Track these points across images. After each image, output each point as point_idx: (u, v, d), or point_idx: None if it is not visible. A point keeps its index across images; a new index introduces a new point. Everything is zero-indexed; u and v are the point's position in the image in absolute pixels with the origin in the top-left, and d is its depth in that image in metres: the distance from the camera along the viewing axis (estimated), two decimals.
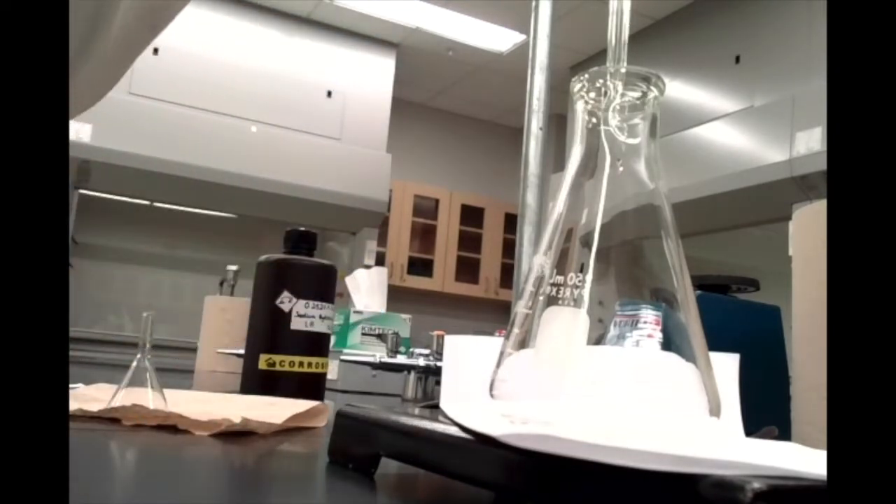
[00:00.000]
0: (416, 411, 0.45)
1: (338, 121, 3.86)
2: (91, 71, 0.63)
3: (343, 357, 1.29)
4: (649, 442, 0.24)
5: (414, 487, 0.38)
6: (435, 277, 4.77)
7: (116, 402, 0.53)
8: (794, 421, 0.58)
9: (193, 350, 1.67)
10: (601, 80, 0.39)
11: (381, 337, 1.52)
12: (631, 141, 0.38)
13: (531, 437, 0.25)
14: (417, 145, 4.93)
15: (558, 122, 3.84)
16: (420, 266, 4.76)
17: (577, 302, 0.36)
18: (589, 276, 0.36)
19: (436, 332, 1.49)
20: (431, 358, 1.26)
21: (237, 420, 0.50)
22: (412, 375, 1.19)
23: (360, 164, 3.82)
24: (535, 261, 0.39)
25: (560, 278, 0.37)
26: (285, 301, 0.82)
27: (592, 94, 0.39)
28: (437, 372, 1.16)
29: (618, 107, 0.38)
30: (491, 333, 0.68)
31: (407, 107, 4.70)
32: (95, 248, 3.75)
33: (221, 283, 1.99)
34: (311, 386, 0.82)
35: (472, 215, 4.93)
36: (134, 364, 0.55)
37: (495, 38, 4.01)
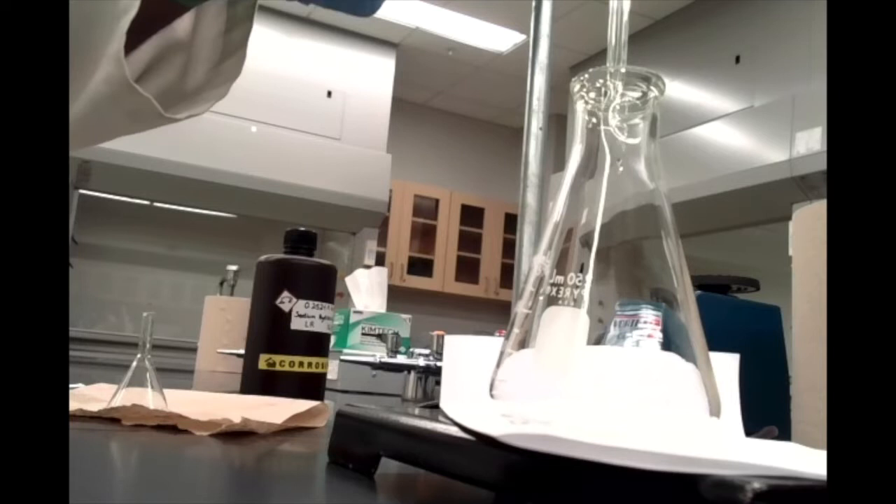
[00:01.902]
0: (416, 411, 0.45)
1: (338, 121, 3.86)
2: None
3: (343, 357, 1.29)
4: (649, 442, 0.24)
5: (414, 487, 0.38)
6: (435, 277, 4.77)
7: (116, 402, 0.53)
8: (794, 421, 0.58)
9: (193, 350, 1.67)
10: (601, 80, 0.39)
11: (381, 337, 1.52)
12: (631, 141, 0.38)
13: (531, 437, 0.25)
14: (417, 145, 4.93)
15: (558, 122, 3.84)
16: (420, 266, 4.76)
17: (577, 302, 0.36)
18: (589, 276, 0.36)
19: (436, 332, 1.49)
20: (431, 358, 1.26)
21: (237, 420, 0.50)
22: (412, 375, 1.19)
23: (360, 164, 3.82)
24: (535, 261, 0.39)
25: (560, 278, 0.37)
26: (285, 301, 0.82)
27: (592, 94, 0.39)
28: (437, 372, 1.16)
29: (618, 107, 0.38)
30: (491, 333, 0.68)
31: (407, 107, 4.69)
32: (95, 248, 3.75)
33: (221, 283, 1.99)
34: (311, 386, 0.82)
35: (472, 215, 4.93)
36: (134, 364, 0.55)
37: (495, 38, 4.01)
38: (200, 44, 0.63)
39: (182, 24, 0.62)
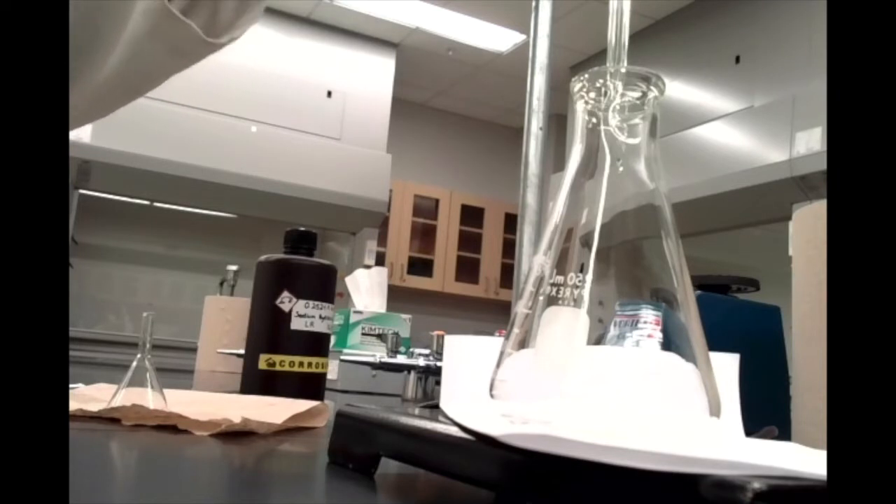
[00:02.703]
0: (416, 411, 0.45)
1: (338, 121, 3.86)
2: (95, 84, 0.63)
3: (343, 357, 1.29)
4: (649, 442, 0.24)
5: (414, 487, 0.38)
6: (435, 277, 4.77)
7: (116, 402, 0.53)
8: (794, 421, 0.58)
9: (193, 350, 1.67)
10: (601, 80, 0.39)
11: (381, 337, 1.52)
12: (631, 141, 0.38)
13: (531, 437, 0.25)
14: (417, 145, 4.93)
15: (558, 122, 3.84)
16: (420, 266, 4.76)
17: (577, 302, 0.36)
18: (589, 276, 0.36)
19: (436, 332, 1.49)
20: (431, 358, 1.26)
21: (237, 420, 0.50)
22: (412, 375, 1.19)
23: (360, 164, 3.82)
24: (535, 261, 0.39)
25: (560, 278, 0.37)
26: (285, 301, 0.82)
27: (592, 94, 0.39)
28: (437, 372, 1.16)
29: (618, 107, 0.38)
30: (491, 333, 0.68)
31: (407, 107, 4.69)
32: (95, 248, 3.75)
33: (221, 283, 1.99)
34: (311, 386, 0.82)
35: (472, 215, 4.93)
36: (134, 364, 0.55)
37: (495, 38, 4.01)
38: None
39: None
